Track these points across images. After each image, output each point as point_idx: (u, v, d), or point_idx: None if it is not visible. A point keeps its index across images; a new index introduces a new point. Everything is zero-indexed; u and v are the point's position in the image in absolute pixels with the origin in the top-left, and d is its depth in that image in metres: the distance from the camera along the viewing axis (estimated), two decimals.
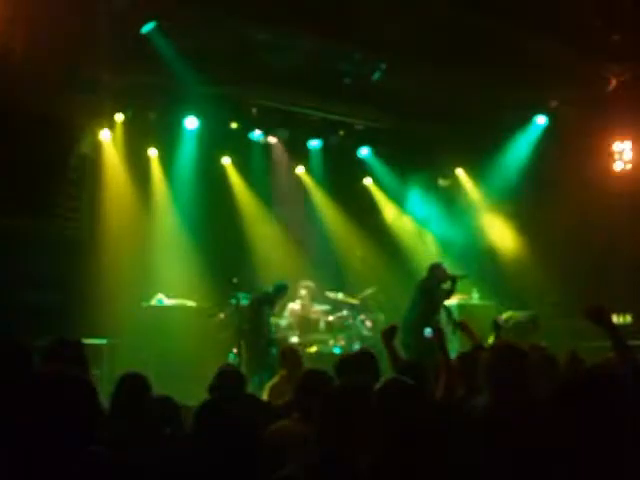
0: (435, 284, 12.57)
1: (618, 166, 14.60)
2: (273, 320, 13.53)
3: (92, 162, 13.77)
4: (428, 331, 9.29)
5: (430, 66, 12.60)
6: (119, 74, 12.71)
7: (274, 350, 12.54)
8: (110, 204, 13.76)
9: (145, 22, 11.48)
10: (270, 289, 13.35)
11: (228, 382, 6.40)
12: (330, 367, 6.80)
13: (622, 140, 14.54)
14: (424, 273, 12.89)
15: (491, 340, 9.06)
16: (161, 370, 11.01)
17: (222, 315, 13.29)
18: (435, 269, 12.73)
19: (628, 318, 14.01)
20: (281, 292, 13.39)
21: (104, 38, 11.51)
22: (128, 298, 13.01)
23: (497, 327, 8.92)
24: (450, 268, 13.01)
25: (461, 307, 14.35)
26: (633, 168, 14.38)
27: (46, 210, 13.14)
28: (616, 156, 14.58)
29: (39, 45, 11.29)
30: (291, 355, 9.06)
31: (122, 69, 12.52)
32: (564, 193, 14.85)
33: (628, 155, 14.52)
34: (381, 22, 11.97)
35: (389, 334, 7.49)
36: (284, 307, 14.18)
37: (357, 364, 6.69)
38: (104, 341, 11.69)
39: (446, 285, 12.68)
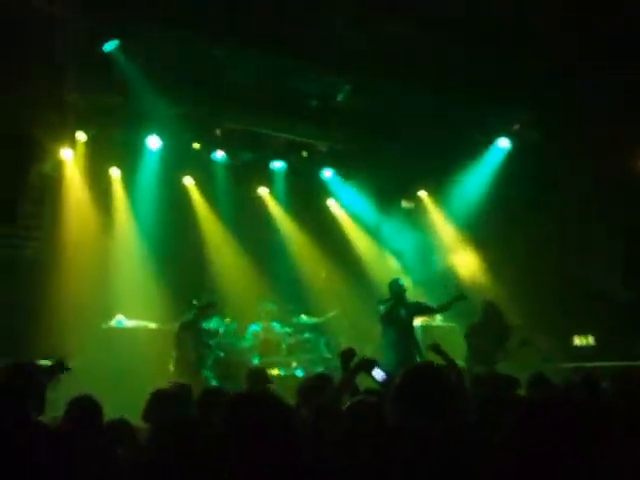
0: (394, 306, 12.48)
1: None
2: (233, 341, 13.44)
3: (53, 181, 13.61)
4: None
5: (393, 88, 12.63)
6: (82, 93, 12.60)
7: (205, 373, 12.28)
8: (71, 223, 13.59)
9: (107, 40, 11.41)
10: (192, 312, 12.91)
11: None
12: (292, 390, 6.76)
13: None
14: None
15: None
16: (120, 391, 10.85)
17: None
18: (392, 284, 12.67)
19: (590, 340, 14.09)
20: (205, 312, 12.95)
21: (67, 56, 11.43)
22: (88, 319, 12.82)
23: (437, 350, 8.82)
24: (412, 291, 12.99)
25: (424, 329, 14.31)
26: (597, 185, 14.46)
27: (6, 229, 12.97)
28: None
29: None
30: (259, 375, 8.89)
31: (85, 88, 12.43)
32: (527, 216, 14.97)
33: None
34: (346, 43, 12.02)
35: (347, 356, 7.40)
36: (245, 329, 14.08)
37: (318, 387, 6.65)
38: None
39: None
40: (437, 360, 10.54)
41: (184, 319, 12.72)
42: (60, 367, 6.89)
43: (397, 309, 12.23)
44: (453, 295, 12.37)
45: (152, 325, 13.43)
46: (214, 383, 11.83)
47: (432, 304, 12.72)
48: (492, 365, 11.59)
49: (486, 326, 12.67)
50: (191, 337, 12.57)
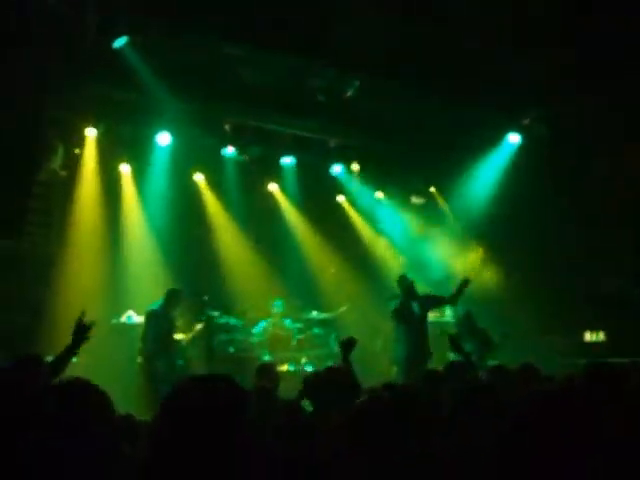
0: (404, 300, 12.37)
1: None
2: (243, 337, 13.41)
3: (63, 177, 13.62)
4: None
5: (402, 85, 12.60)
6: (91, 89, 12.61)
7: (159, 366, 12.02)
8: (81, 220, 13.61)
9: (117, 37, 11.41)
10: (157, 302, 12.50)
11: None
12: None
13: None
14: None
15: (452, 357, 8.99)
16: (130, 387, 10.89)
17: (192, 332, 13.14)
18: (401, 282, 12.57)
19: (601, 336, 14.06)
20: (170, 301, 12.45)
21: (76, 52, 11.45)
22: (98, 315, 12.76)
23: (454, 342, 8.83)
24: (421, 287, 12.89)
25: (434, 324, 14.23)
26: (609, 184, 14.39)
27: (16, 227, 12.99)
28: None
29: (9, 59, 11.23)
30: (267, 371, 8.85)
31: (95, 84, 12.44)
32: (537, 213, 14.93)
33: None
34: (354, 40, 11.98)
35: (347, 346, 7.47)
36: (255, 325, 14.10)
37: (327, 382, 6.65)
38: (74, 359, 11.47)
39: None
40: (450, 354, 10.58)
41: (147, 308, 12.57)
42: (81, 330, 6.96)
43: (409, 304, 12.22)
44: (459, 282, 12.36)
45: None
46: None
47: (443, 295, 12.66)
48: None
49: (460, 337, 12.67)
50: (152, 326, 12.31)
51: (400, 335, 12.15)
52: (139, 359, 12.22)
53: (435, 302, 12.71)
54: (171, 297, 12.41)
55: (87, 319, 7.04)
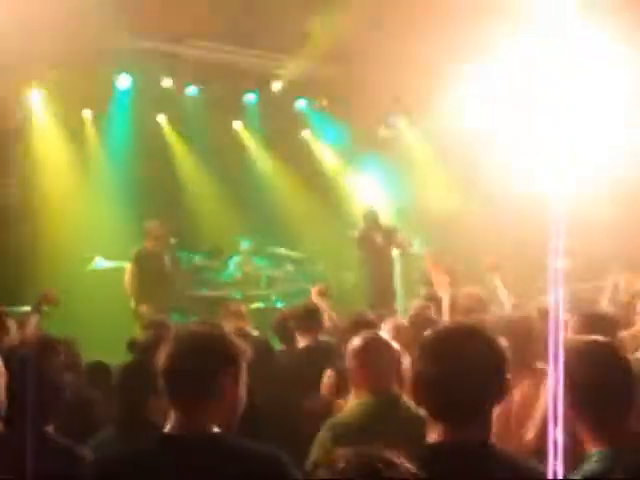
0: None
1: None
2: (212, 277, 13.42)
3: (23, 127, 13.46)
4: None
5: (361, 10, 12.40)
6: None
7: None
8: (44, 168, 13.50)
9: None
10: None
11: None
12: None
13: None
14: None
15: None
16: (101, 333, 10.93)
17: None
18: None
19: None
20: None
21: None
22: (66, 262, 12.81)
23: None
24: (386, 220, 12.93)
25: (401, 257, 14.27)
26: None
27: None
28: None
29: None
30: (238, 311, 8.84)
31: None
32: None
33: None
34: None
35: (322, 293, 7.57)
36: (224, 264, 14.12)
37: (300, 319, 6.74)
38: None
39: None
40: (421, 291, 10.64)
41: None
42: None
43: (372, 236, 12.26)
44: None
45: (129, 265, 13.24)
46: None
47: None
48: None
49: None
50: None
51: (366, 269, 12.23)
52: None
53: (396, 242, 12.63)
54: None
55: (51, 294, 7.18)
